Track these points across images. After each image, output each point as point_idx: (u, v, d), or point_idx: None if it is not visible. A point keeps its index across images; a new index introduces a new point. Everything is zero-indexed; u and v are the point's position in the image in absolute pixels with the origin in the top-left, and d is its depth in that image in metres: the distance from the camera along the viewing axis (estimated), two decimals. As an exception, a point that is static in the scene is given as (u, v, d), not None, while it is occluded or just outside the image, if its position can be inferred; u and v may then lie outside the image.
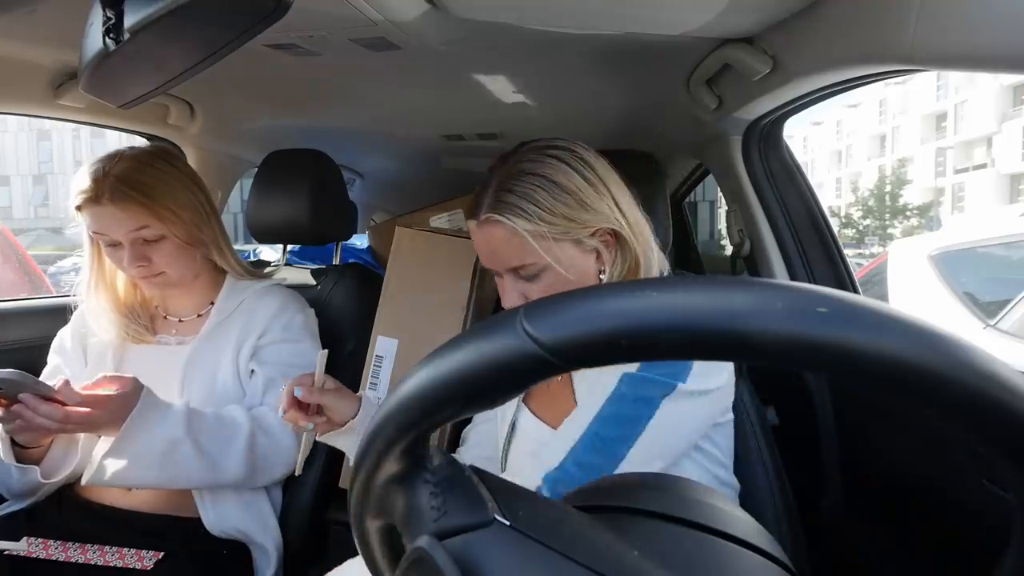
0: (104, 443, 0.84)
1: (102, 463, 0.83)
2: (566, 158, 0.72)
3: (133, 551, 0.87)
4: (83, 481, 0.84)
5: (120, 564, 0.86)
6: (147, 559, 0.87)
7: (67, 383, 0.82)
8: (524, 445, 0.81)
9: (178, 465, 0.86)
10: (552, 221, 0.69)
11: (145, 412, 0.84)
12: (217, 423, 0.91)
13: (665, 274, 0.83)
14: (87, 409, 0.81)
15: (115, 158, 0.94)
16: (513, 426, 0.83)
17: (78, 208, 0.92)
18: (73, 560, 0.86)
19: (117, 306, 1.02)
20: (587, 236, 0.72)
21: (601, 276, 0.75)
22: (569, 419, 0.75)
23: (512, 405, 0.83)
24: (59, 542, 0.87)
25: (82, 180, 0.91)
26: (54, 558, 0.86)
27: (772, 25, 0.86)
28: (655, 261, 0.78)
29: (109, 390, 0.84)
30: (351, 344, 1.19)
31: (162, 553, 0.88)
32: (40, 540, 0.86)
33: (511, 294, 0.74)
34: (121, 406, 0.84)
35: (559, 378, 0.80)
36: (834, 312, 0.21)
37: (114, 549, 0.87)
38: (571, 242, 0.72)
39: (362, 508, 0.32)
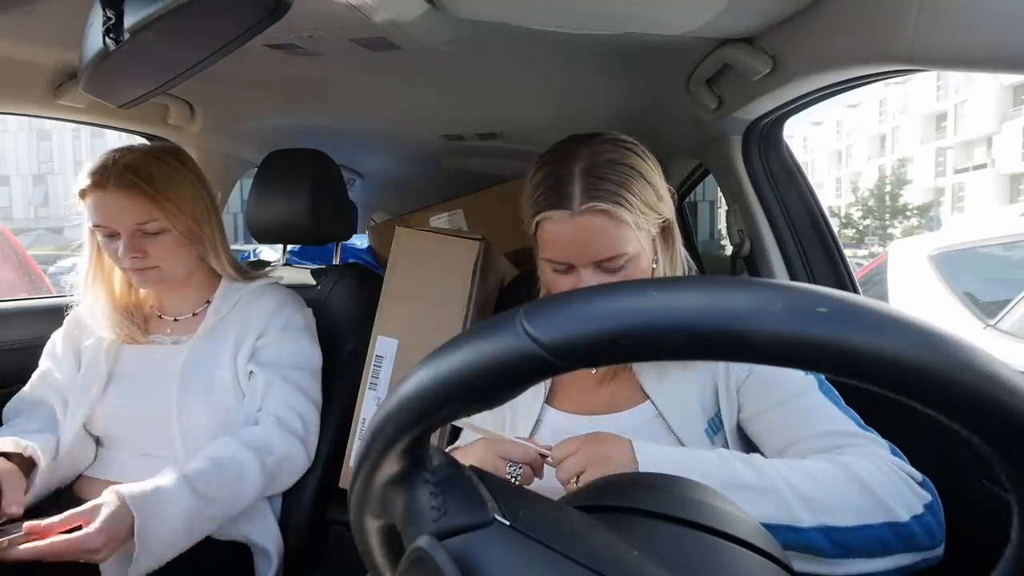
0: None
1: (136, 561, 0.77)
2: (638, 151, 0.75)
3: None
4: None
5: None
6: None
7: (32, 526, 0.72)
8: (555, 440, 0.80)
9: (202, 523, 0.84)
10: (644, 211, 0.71)
11: (148, 511, 0.78)
12: (219, 471, 0.87)
13: (694, 272, 0.86)
14: (73, 536, 0.72)
15: (126, 149, 0.96)
16: (536, 426, 0.81)
17: (82, 194, 0.92)
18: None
19: (113, 303, 1.01)
20: (654, 226, 0.75)
21: (654, 266, 0.77)
22: (638, 409, 0.76)
23: (531, 408, 0.82)
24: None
25: (90, 166, 0.93)
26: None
27: (772, 25, 0.86)
28: (683, 257, 0.81)
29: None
30: (351, 344, 1.19)
31: None
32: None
33: (590, 284, 0.73)
34: (113, 518, 0.75)
35: (593, 371, 0.81)
36: (834, 312, 0.21)
37: None
38: (646, 231, 0.73)
39: (362, 508, 0.32)
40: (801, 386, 0.71)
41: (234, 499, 0.88)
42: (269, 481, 0.94)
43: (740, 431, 0.75)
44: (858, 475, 0.58)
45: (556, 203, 0.71)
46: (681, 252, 0.81)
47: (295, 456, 0.97)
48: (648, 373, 0.78)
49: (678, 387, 0.76)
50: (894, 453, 0.65)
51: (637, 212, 0.70)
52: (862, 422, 0.69)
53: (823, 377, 0.72)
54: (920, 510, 0.58)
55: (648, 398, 0.76)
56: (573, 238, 0.71)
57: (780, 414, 0.70)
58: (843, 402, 0.71)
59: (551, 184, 0.72)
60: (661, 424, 0.74)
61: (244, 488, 0.89)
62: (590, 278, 0.72)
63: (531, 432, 0.81)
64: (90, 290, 1.01)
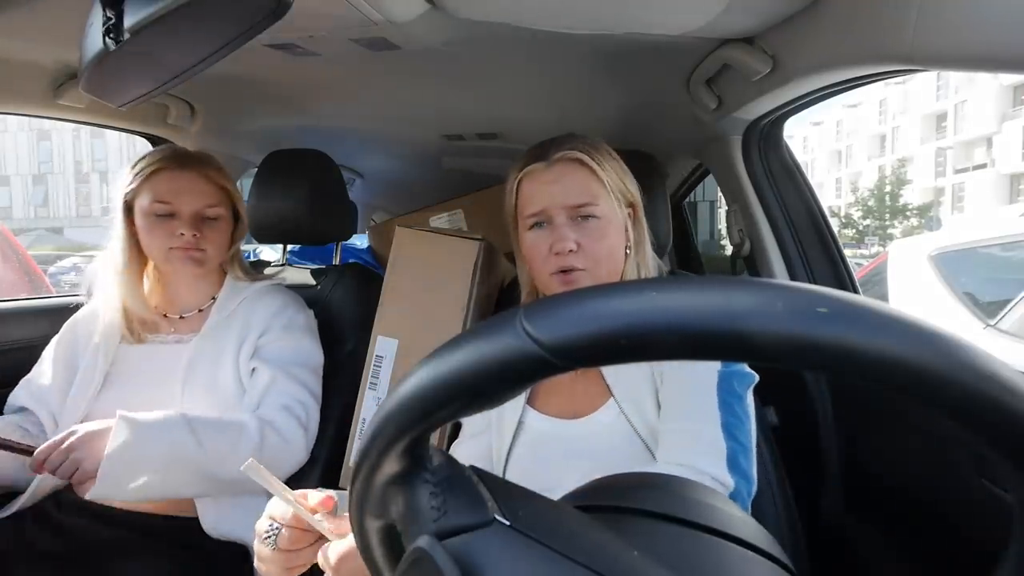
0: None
1: (101, 473, 0.81)
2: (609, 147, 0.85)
3: None
4: (87, 495, 0.83)
5: None
6: None
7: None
8: (536, 444, 0.81)
9: (182, 467, 0.85)
10: (613, 175, 0.80)
11: (133, 421, 0.84)
12: (219, 424, 0.91)
13: (663, 270, 0.91)
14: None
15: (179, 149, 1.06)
16: (518, 429, 0.82)
17: (153, 173, 0.97)
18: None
19: (133, 296, 1.02)
20: (624, 203, 0.82)
21: (628, 250, 0.83)
22: (606, 407, 0.78)
23: (514, 411, 0.83)
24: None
25: (154, 154, 1.00)
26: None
27: (772, 25, 0.86)
28: (652, 254, 0.87)
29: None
30: (351, 344, 1.19)
31: None
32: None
33: (566, 236, 0.77)
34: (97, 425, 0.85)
35: (573, 372, 0.81)
36: (834, 312, 0.21)
37: None
38: (616, 200, 0.80)
39: (362, 508, 0.32)
40: (701, 378, 0.74)
41: (223, 457, 0.88)
42: (263, 455, 0.92)
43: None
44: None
45: (533, 159, 0.81)
46: (649, 246, 0.87)
47: (295, 441, 0.97)
48: (606, 371, 0.80)
49: (633, 377, 0.78)
50: (732, 466, 0.67)
51: (609, 171, 0.79)
52: (739, 429, 0.71)
53: (734, 375, 0.75)
54: None
55: (611, 395, 0.79)
56: (548, 184, 0.79)
57: (672, 396, 0.75)
58: (736, 406, 0.73)
59: (530, 151, 0.82)
60: (624, 421, 0.77)
61: (237, 449, 0.90)
62: (564, 228, 0.77)
63: (513, 436, 0.82)
64: (119, 279, 1.01)
